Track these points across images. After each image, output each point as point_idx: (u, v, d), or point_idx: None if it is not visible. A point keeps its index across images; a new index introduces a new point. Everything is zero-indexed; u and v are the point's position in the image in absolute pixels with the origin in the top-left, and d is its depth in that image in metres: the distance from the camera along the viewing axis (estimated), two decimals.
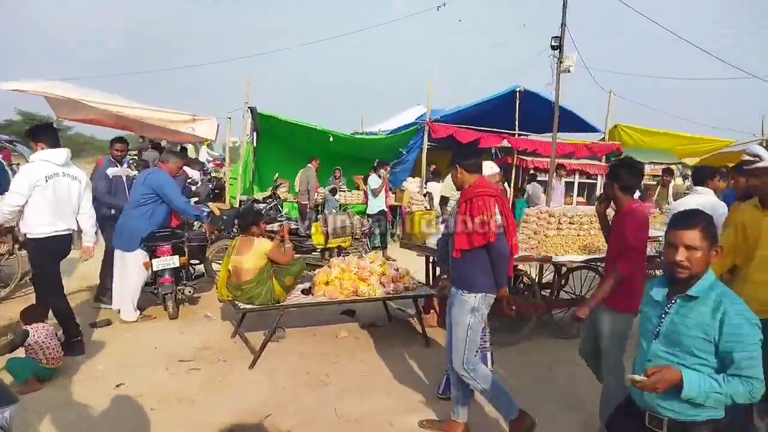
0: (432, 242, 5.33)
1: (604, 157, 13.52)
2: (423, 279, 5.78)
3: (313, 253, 7.41)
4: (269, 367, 4.41)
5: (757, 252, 3.09)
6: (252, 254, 4.49)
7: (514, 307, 3.29)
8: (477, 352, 3.33)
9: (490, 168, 4.12)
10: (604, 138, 13.84)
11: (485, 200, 3.18)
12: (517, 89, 12.37)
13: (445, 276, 3.66)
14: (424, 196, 11.53)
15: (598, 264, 5.27)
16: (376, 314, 5.90)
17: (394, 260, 7.52)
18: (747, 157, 3.25)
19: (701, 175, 5.00)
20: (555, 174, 10.92)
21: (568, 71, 9.37)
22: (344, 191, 11.34)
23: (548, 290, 5.89)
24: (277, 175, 10.05)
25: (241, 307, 4.58)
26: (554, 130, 10.11)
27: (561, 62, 9.26)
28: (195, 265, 6.23)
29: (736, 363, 1.88)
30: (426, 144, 11.92)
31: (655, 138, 14.25)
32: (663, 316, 2.10)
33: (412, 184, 11.89)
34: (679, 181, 15.50)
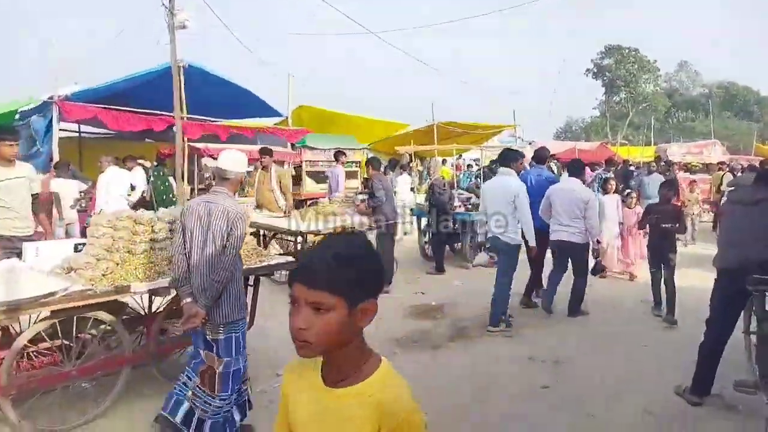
0: None
1: (290, 144, 12.70)
2: None
3: None
4: None
5: None
6: None
7: None
8: None
9: (232, 162, 3.10)
10: (287, 121, 13.02)
11: None
12: (180, 64, 10.48)
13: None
14: None
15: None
16: None
17: None
18: None
19: (507, 158, 5.40)
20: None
21: (184, 27, 7.85)
22: None
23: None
24: None
25: None
26: (176, 102, 8.47)
27: (173, 14, 7.64)
28: None
29: None
30: (57, 130, 9.07)
31: (336, 120, 14.13)
32: None
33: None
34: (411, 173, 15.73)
